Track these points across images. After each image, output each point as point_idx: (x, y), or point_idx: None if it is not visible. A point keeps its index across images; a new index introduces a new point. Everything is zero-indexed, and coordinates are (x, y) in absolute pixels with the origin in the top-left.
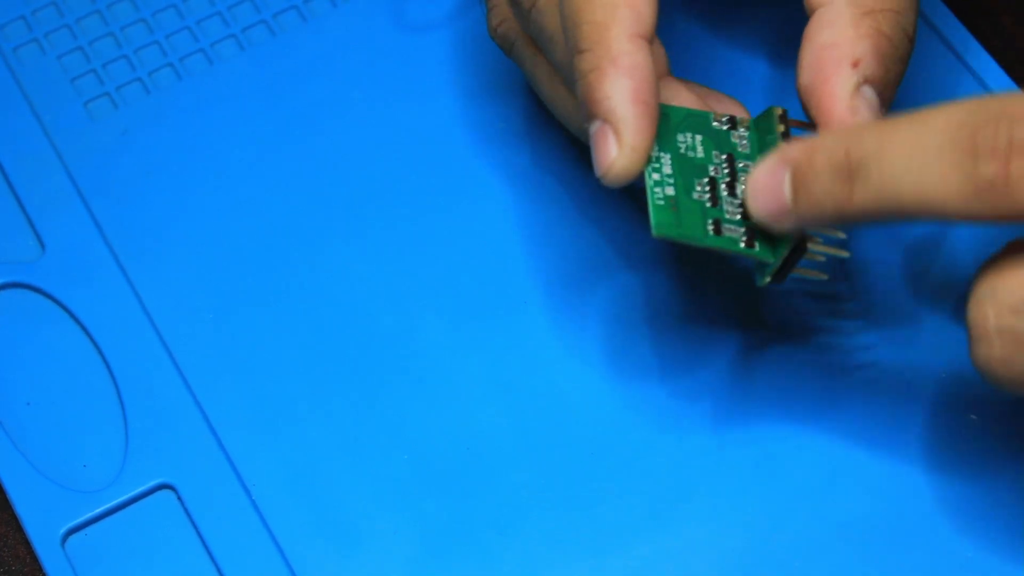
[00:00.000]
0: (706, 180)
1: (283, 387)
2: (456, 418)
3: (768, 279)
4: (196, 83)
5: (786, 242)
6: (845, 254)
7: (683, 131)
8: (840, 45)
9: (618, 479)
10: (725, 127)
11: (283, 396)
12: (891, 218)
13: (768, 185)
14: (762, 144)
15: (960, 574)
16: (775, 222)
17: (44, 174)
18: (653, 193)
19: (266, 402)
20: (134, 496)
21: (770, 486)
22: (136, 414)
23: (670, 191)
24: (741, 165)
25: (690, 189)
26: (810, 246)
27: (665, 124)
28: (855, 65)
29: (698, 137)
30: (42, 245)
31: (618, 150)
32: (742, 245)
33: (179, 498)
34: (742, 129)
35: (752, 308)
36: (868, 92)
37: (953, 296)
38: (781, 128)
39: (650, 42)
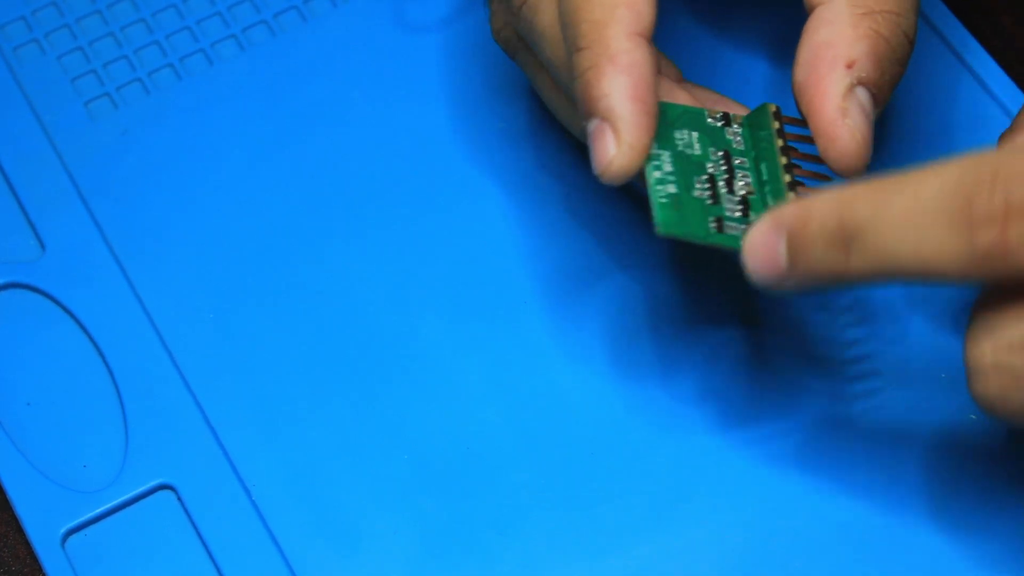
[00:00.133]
0: (705, 177)
1: (283, 387)
2: (456, 418)
3: None
4: (196, 83)
5: None
6: None
7: (680, 128)
8: (836, 45)
9: (618, 479)
10: (719, 124)
11: (283, 396)
12: (890, 282)
13: (765, 251)
14: (755, 140)
15: (960, 574)
16: (774, 286)
17: (44, 174)
18: (656, 191)
19: (266, 402)
20: (134, 496)
21: (770, 486)
22: (136, 414)
23: (672, 189)
24: (738, 162)
25: (691, 187)
26: None
27: (663, 121)
28: (850, 66)
29: (695, 134)
30: (42, 245)
31: (616, 148)
32: (743, 243)
33: (179, 498)
34: (735, 126)
35: (751, 308)
36: (861, 94)
37: (953, 297)
38: (776, 125)
39: (649, 41)
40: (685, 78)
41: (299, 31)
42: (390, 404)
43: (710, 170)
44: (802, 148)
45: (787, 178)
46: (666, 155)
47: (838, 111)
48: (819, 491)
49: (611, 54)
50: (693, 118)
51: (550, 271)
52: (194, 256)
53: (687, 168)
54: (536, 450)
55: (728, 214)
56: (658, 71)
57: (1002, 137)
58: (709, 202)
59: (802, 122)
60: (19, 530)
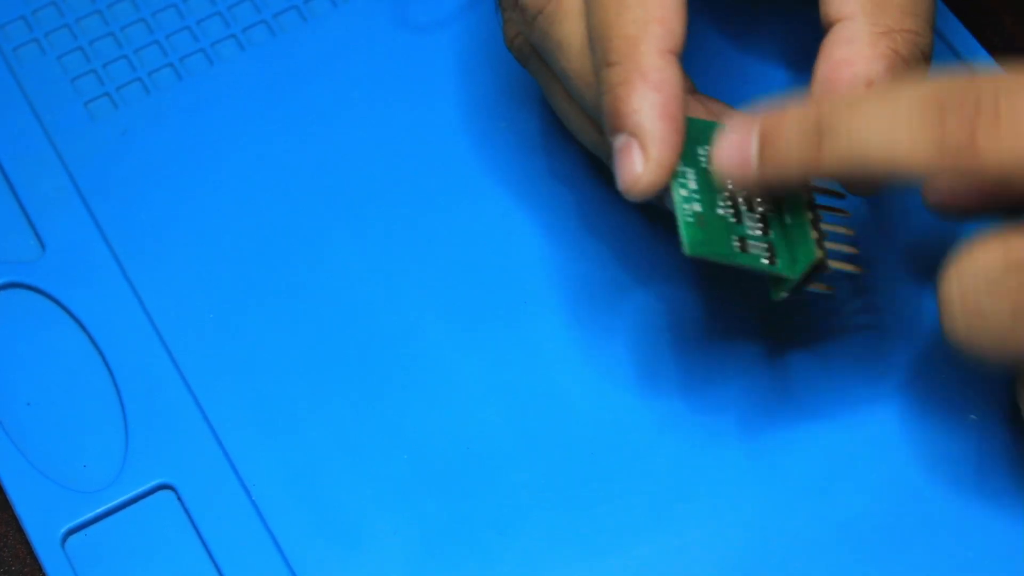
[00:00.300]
0: (726, 195)
1: (283, 387)
2: (456, 418)
3: (784, 294)
4: (196, 83)
5: (805, 259)
6: (860, 270)
7: (703, 144)
8: (855, 63)
9: (618, 479)
10: None
11: (283, 396)
12: (857, 175)
13: (735, 143)
14: None
15: (960, 574)
16: (737, 180)
17: (44, 174)
18: (682, 210)
19: (266, 402)
20: (134, 496)
21: (770, 486)
22: (136, 414)
23: (697, 207)
24: None
25: (714, 205)
26: (829, 263)
27: (687, 137)
28: (869, 85)
29: None
30: (42, 245)
31: (644, 165)
32: (764, 262)
33: (179, 498)
34: None
35: (749, 310)
36: None
37: None
38: None
39: (679, 58)
40: (700, 91)
41: (299, 31)
42: (390, 404)
43: (731, 187)
44: None
45: (805, 196)
46: (691, 172)
47: None
48: (819, 491)
49: (643, 70)
50: (713, 133)
51: (549, 271)
52: (194, 256)
53: (710, 185)
54: (536, 450)
55: (749, 232)
56: (692, 89)
57: None
58: (732, 220)
59: None
60: (19, 530)
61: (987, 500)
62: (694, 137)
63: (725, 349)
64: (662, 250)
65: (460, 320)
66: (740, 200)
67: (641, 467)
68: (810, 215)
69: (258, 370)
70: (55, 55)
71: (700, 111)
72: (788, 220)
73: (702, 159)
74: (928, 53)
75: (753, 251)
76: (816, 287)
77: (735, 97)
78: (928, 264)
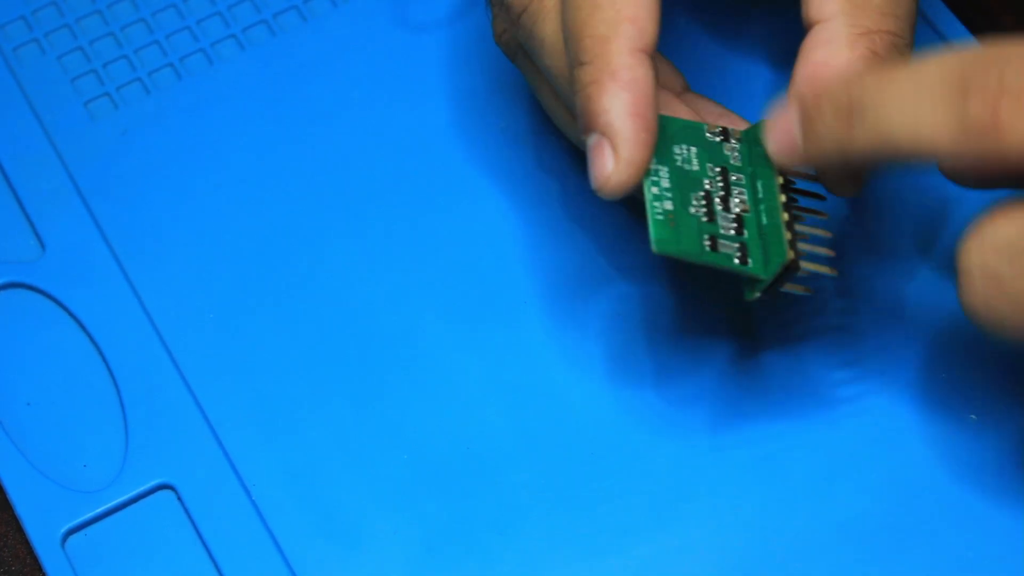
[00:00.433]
0: (702, 194)
1: (283, 387)
2: (456, 418)
3: (757, 294)
4: (196, 83)
5: (778, 260)
6: (834, 272)
7: (679, 143)
8: (834, 65)
9: (618, 480)
10: (718, 139)
11: (283, 396)
12: (888, 158)
13: (781, 124)
14: (752, 156)
15: (960, 574)
16: (788, 160)
17: (44, 174)
18: (653, 208)
19: (266, 402)
20: (134, 496)
21: (770, 486)
22: (136, 414)
23: (668, 205)
24: (734, 178)
25: (687, 203)
26: (802, 264)
27: (662, 135)
28: None
29: (693, 149)
30: (42, 245)
31: (614, 164)
32: (736, 261)
33: (179, 498)
34: (734, 141)
35: (749, 310)
36: None
37: (948, 296)
38: None
39: (651, 57)
40: (690, 87)
41: (299, 31)
42: (390, 404)
43: (707, 187)
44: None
45: (782, 198)
46: (664, 171)
47: None
48: (819, 491)
49: (613, 70)
50: (692, 133)
51: (550, 272)
52: (194, 256)
53: (684, 184)
54: (536, 450)
55: (722, 232)
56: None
57: None
58: (704, 219)
59: None
60: (19, 530)
61: (987, 500)
62: (671, 135)
63: (725, 350)
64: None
65: (460, 319)
66: (716, 200)
67: (641, 467)
68: (786, 216)
69: (258, 370)
70: (55, 55)
71: (686, 112)
72: (764, 221)
73: (678, 158)
74: (908, 55)
75: (724, 251)
76: (794, 288)
77: (725, 95)
78: (918, 256)
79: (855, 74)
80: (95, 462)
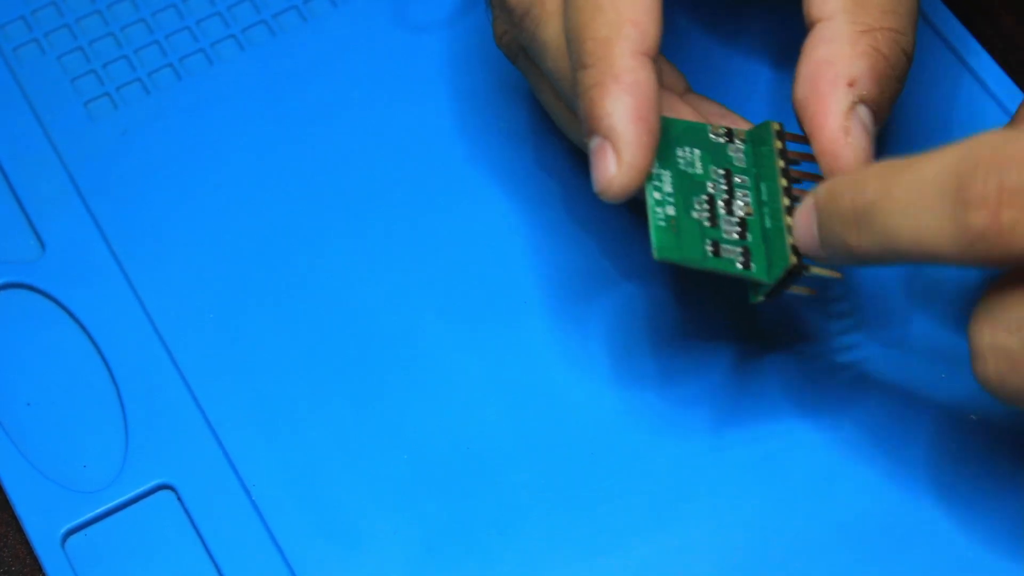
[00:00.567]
0: (704, 198)
1: (283, 387)
2: (456, 418)
3: (761, 298)
4: (196, 83)
5: (781, 264)
6: (838, 275)
7: (682, 145)
8: (837, 63)
9: (618, 479)
10: (722, 140)
11: (283, 396)
12: (897, 262)
13: (803, 223)
14: (756, 156)
15: (960, 574)
16: (814, 257)
17: (44, 174)
18: (654, 213)
19: (266, 402)
20: (134, 496)
21: (770, 487)
22: (136, 414)
23: (671, 210)
24: (738, 180)
25: (689, 208)
26: (805, 268)
27: (665, 138)
28: (851, 84)
29: (696, 151)
30: (42, 245)
31: (617, 168)
32: (739, 266)
33: (179, 498)
34: (738, 142)
35: (750, 310)
36: (862, 111)
37: (949, 296)
38: (778, 144)
39: (654, 59)
40: (692, 88)
41: (299, 31)
42: (390, 404)
43: (710, 190)
44: (804, 166)
45: (786, 201)
46: (667, 174)
47: (840, 130)
48: (819, 491)
49: (615, 73)
50: (696, 134)
51: (550, 272)
52: (194, 256)
53: (687, 187)
54: (536, 450)
55: (725, 236)
56: (661, 88)
57: None
58: (707, 224)
59: (804, 139)
60: (19, 530)
61: (987, 500)
62: (674, 137)
63: (726, 350)
64: None
65: (459, 319)
66: (720, 203)
67: (641, 467)
68: (790, 220)
69: (258, 370)
70: (55, 55)
71: (689, 112)
72: (768, 224)
73: (680, 161)
74: (910, 52)
75: (726, 255)
76: (798, 290)
77: (726, 95)
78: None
79: (857, 177)
80: (95, 462)
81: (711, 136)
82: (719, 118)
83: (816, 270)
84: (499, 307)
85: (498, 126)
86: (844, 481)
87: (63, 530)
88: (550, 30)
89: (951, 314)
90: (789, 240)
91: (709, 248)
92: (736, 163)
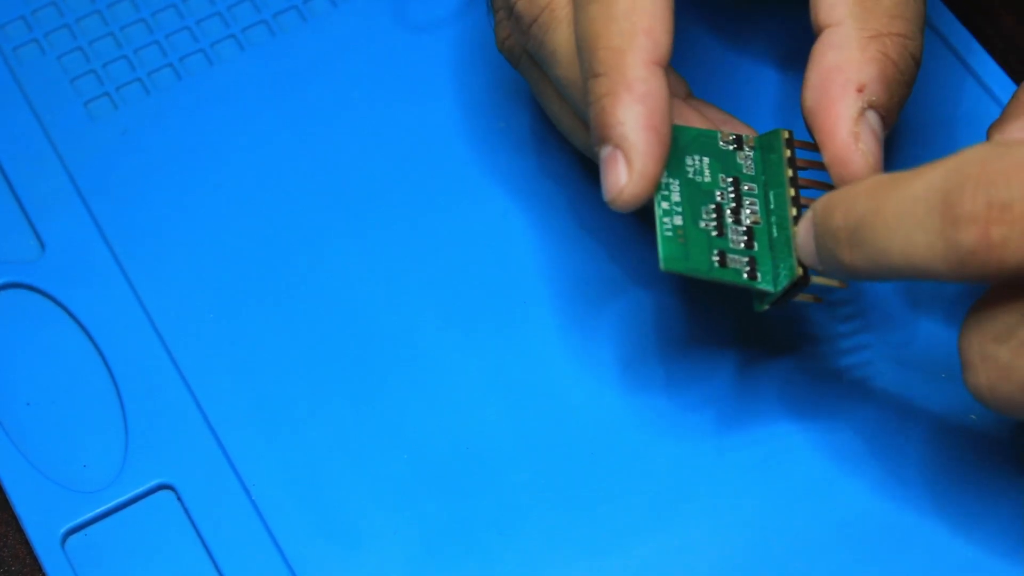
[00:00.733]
0: (712, 207)
1: (283, 387)
2: (456, 418)
3: (766, 306)
4: (196, 83)
5: (787, 275)
6: (843, 285)
7: (691, 153)
8: (846, 69)
9: (618, 479)
10: (731, 147)
11: (283, 396)
12: (892, 279)
13: (804, 239)
14: (765, 164)
15: (960, 574)
16: (817, 270)
17: (44, 174)
18: (662, 224)
19: (266, 402)
20: (134, 496)
21: (770, 487)
22: (136, 414)
23: (678, 220)
24: (746, 188)
25: (697, 217)
26: (812, 278)
27: (675, 145)
28: (860, 90)
29: (705, 160)
30: (42, 245)
31: (628, 177)
32: (745, 276)
33: (179, 498)
34: (747, 149)
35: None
36: (872, 117)
37: (952, 298)
38: (787, 153)
39: (665, 69)
40: (695, 95)
41: (299, 31)
42: (390, 404)
43: (718, 198)
44: (813, 173)
45: (793, 211)
46: (675, 184)
47: (851, 136)
48: (819, 491)
49: (628, 82)
50: (705, 142)
51: (550, 271)
52: (194, 256)
53: (695, 197)
54: (536, 450)
55: (732, 246)
56: (688, 93)
57: (991, 128)
58: (714, 234)
59: (813, 147)
60: (19, 530)
61: (987, 500)
62: (683, 146)
63: (726, 349)
64: None
65: (459, 319)
66: (728, 212)
67: (641, 467)
68: (796, 229)
69: (258, 370)
70: (55, 55)
71: (695, 118)
72: (775, 233)
73: (689, 169)
74: (918, 56)
75: (733, 266)
76: (803, 298)
77: (729, 100)
78: None
79: (848, 194)
80: (95, 462)
81: (720, 144)
82: (721, 124)
83: (821, 280)
84: (498, 307)
85: (498, 126)
86: (844, 481)
87: (63, 530)
88: (560, 38)
89: (953, 316)
90: (795, 250)
91: (715, 258)
92: (745, 171)
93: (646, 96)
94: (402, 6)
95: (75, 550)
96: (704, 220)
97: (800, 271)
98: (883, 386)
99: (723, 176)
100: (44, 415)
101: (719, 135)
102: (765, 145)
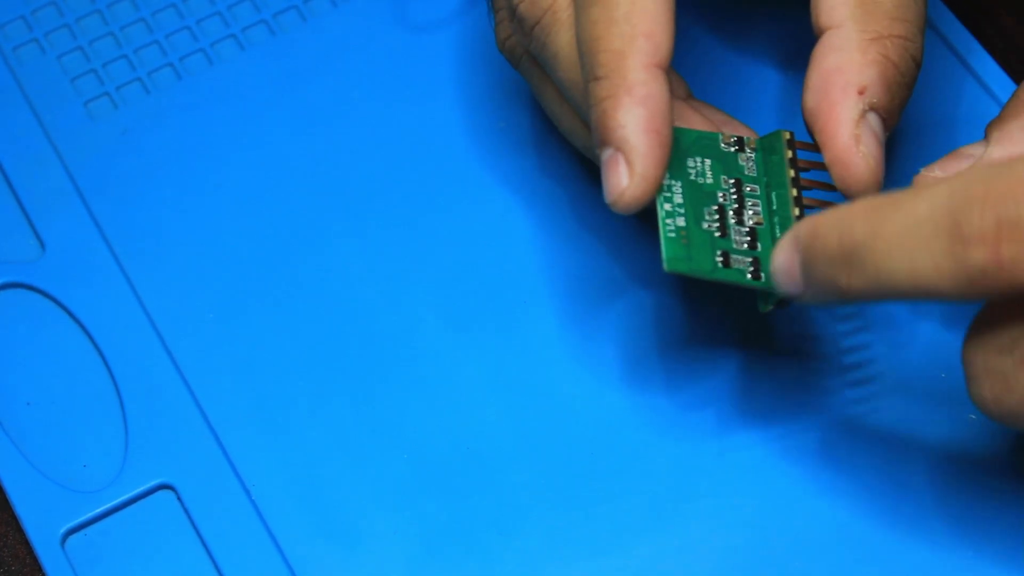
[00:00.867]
0: (715, 208)
1: (283, 387)
2: (456, 418)
3: (771, 307)
4: (196, 83)
5: None
6: None
7: (693, 155)
8: (847, 71)
9: (618, 479)
10: (733, 149)
11: (283, 396)
12: (891, 300)
13: (785, 265)
14: (767, 165)
15: (960, 574)
16: (798, 299)
17: (44, 174)
18: (665, 225)
19: (266, 402)
20: (134, 496)
21: (770, 487)
22: (136, 414)
23: (681, 222)
24: (748, 189)
25: (700, 218)
26: None
27: (676, 147)
28: (861, 92)
29: (707, 161)
30: (42, 245)
31: (629, 179)
32: (749, 277)
33: (179, 498)
34: (749, 151)
35: (756, 313)
36: (873, 119)
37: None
38: (789, 154)
39: (666, 72)
40: (695, 96)
41: (299, 31)
42: (390, 404)
43: (720, 200)
44: (815, 174)
45: (796, 211)
46: (677, 185)
47: (852, 138)
48: (819, 491)
49: (628, 85)
50: (707, 144)
51: (551, 271)
52: (194, 256)
53: (698, 198)
54: (536, 450)
55: (735, 246)
56: (687, 94)
57: (989, 126)
58: (717, 235)
59: (815, 147)
60: (19, 530)
61: (987, 500)
62: (685, 148)
63: (726, 349)
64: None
65: (459, 319)
66: (730, 213)
67: (641, 467)
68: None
69: (258, 370)
70: (55, 55)
71: (696, 118)
72: (778, 233)
73: (691, 171)
74: (919, 58)
75: (736, 266)
76: None
77: (730, 101)
78: None
79: (843, 215)
80: (95, 462)
81: (722, 145)
82: (720, 125)
83: None
84: (498, 307)
85: (499, 126)
86: (844, 483)
87: (63, 530)
88: (562, 40)
89: (953, 316)
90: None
91: (719, 259)
92: (747, 172)
93: (647, 99)
94: (402, 6)
95: (75, 550)
96: (707, 221)
97: None
98: (883, 386)
99: (725, 177)
100: (44, 415)
101: (720, 137)
102: (767, 146)
